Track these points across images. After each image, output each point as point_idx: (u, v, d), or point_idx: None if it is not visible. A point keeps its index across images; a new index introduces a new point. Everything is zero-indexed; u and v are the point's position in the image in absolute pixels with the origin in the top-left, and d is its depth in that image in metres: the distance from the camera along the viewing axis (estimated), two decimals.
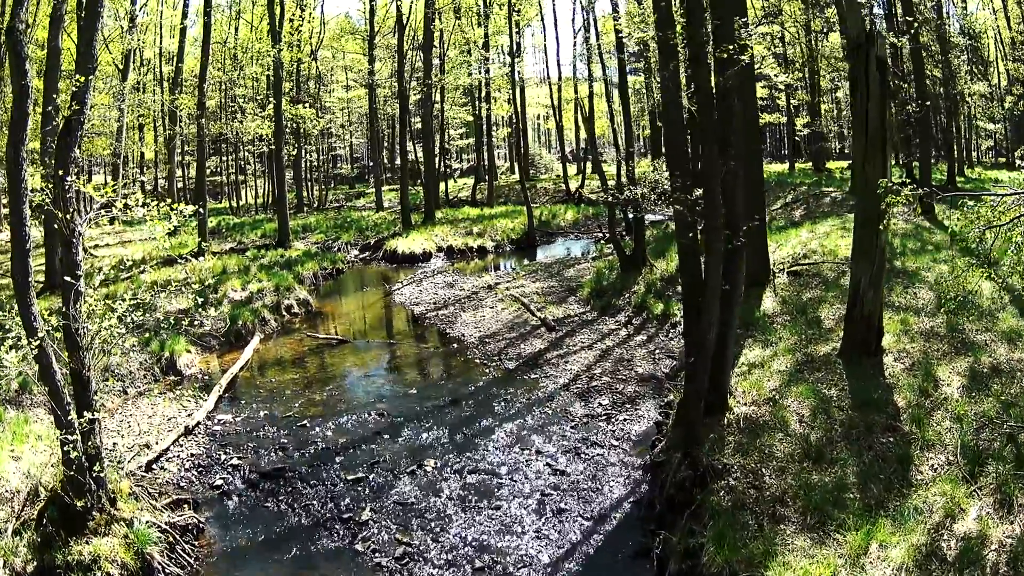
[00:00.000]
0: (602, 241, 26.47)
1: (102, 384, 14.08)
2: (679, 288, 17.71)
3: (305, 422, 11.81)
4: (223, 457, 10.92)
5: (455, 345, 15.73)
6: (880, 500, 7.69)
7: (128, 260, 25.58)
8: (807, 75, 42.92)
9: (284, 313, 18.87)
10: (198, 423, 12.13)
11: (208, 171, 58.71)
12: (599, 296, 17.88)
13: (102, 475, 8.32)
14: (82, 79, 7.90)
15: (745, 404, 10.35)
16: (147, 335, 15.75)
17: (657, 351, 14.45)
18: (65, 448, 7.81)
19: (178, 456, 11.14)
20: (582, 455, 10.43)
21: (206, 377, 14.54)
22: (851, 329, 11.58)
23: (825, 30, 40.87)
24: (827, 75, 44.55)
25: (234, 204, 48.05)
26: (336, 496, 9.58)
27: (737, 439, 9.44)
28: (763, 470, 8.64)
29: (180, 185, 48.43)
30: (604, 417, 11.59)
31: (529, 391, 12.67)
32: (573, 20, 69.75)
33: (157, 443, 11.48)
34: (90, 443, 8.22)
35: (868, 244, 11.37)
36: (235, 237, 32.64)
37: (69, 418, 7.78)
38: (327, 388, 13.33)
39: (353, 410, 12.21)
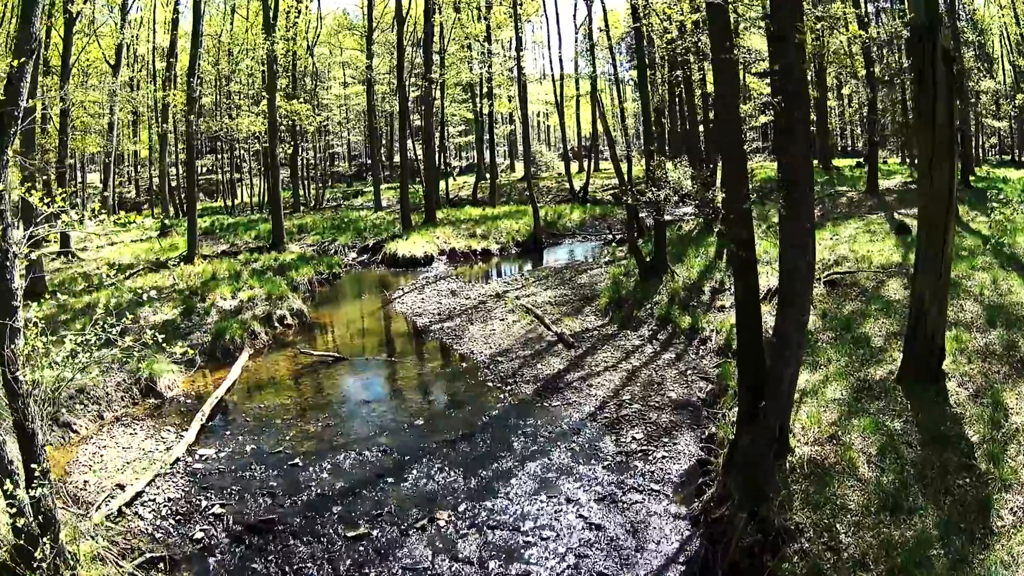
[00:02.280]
0: (613, 244, 24.87)
1: (78, 407, 12.62)
2: (704, 298, 16.20)
3: (298, 460, 10.18)
4: (204, 503, 9.31)
5: (464, 364, 14.06)
6: (964, 555, 6.66)
7: (115, 263, 24.04)
8: (813, 71, 41.51)
9: (276, 324, 17.19)
10: (177, 459, 10.52)
11: (204, 169, 57.29)
12: (618, 307, 16.24)
13: (58, 541, 6.75)
14: (16, 63, 6.26)
15: (806, 443, 8.93)
16: (125, 352, 14.12)
17: (689, 371, 12.86)
18: (12, 519, 6.26)
19: (154, 500, 9.53)
20: (619, 504, 8.85)
21: (189, 401, 12.91)
22: (912, 351, 10.28)
23: (830, 26, 39.41)
24: (832, 72, 43.04)
25: (229, 203, 46.35)
26: (334, 557, 7.99)
27: (804, 488, 8.05)
28: (837, 526, 7.28)
29: (174, 184, 46.75)
30: (639, 454, 10.01)
31: (551, 422, 11.06)
32: (575, 15, 67.93)
33: (131, 483, 9.90)
34: (42, 507, 6.64)
35: (933, 256, 9.98)
36: (228, 239, 30.95)
37: (8, 488, 6.16)
38: (322, 417, 11.69)
39: (352, 446, 10.57)
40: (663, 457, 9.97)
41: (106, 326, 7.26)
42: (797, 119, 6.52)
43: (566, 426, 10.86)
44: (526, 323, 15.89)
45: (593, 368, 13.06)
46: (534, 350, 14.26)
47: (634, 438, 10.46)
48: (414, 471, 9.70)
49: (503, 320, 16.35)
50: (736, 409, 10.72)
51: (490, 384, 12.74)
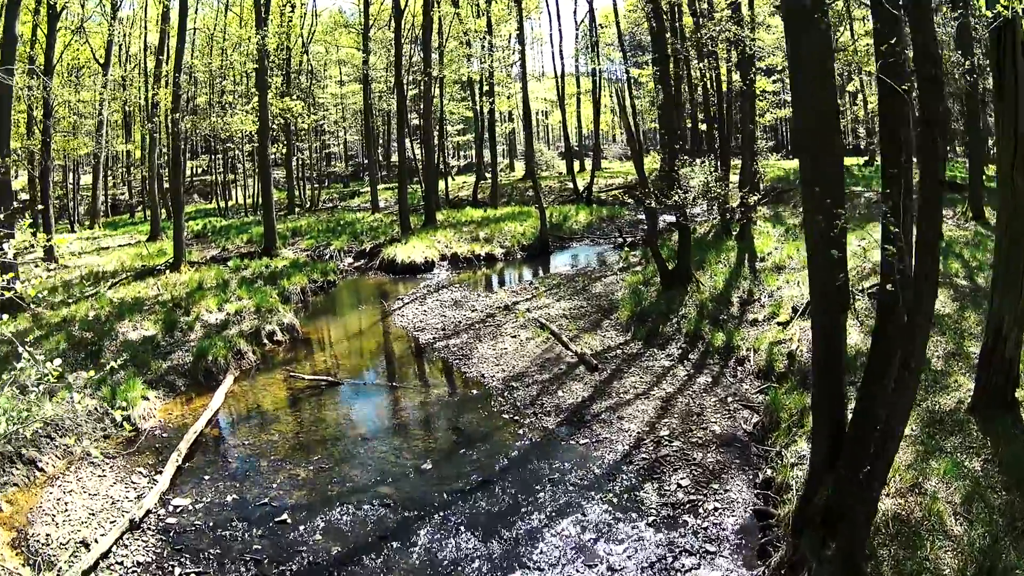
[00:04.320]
0: (626, 248, 23.18)
1: (44, 442, 10.98)
2: (733, 310, 14.54)
3: (286, 516, 8.50)
4: (178, 571, 7.68)
5: (474, 391, 12.29)
6: None
7: (99, 271, 22.40)
8: None
9: (265, 341, 15.46)
10: (149, 511, 8.89)
11: (199, 170, 55.40)
12: (641, 321, 14.55)
13: None
14: None
15: (888, 495, 7.48)
16: (99, 376, 12.48)
17: (729, 398, 11.22)
18: None
19: (121, 564, 7.96)
20: (671, 572, 7.22)
21: (165, 435, 11.23)
22: (987, 378, 8.96)
23: (836, 21, 38.06)
24: (837, 68, 41.52)
25: (223, 204, 44.55)
26: None
27: (894, 554, 6.62)
28: None
29: (166, 185, 44.86)
30: (687, 506, 8.36)
31: (581, 465, 9.36)
32: (575, 12, 66.38)
33: (96, 540, 8.32)
34: None
35: (1014, 275, 8.47)
36: (219, 242, 29.28)
37: None
38: (314, 458, 9.97)
39: (349, 497, 8.87)
40: (715, 509, 8.33)
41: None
42: (940, 111, 4.91)
43: (598, 470, 9.18)
44: (541, 341, 14.16)
45: (622, 395, 11.36)
46: (552, 373, 12.54)
47: (679, 485, 8.81)
48: (423, 532, 8.02)
49: (515, 337, 14.62)
50: (793, 447, 9.20)
51: (506, 416, 10.98)
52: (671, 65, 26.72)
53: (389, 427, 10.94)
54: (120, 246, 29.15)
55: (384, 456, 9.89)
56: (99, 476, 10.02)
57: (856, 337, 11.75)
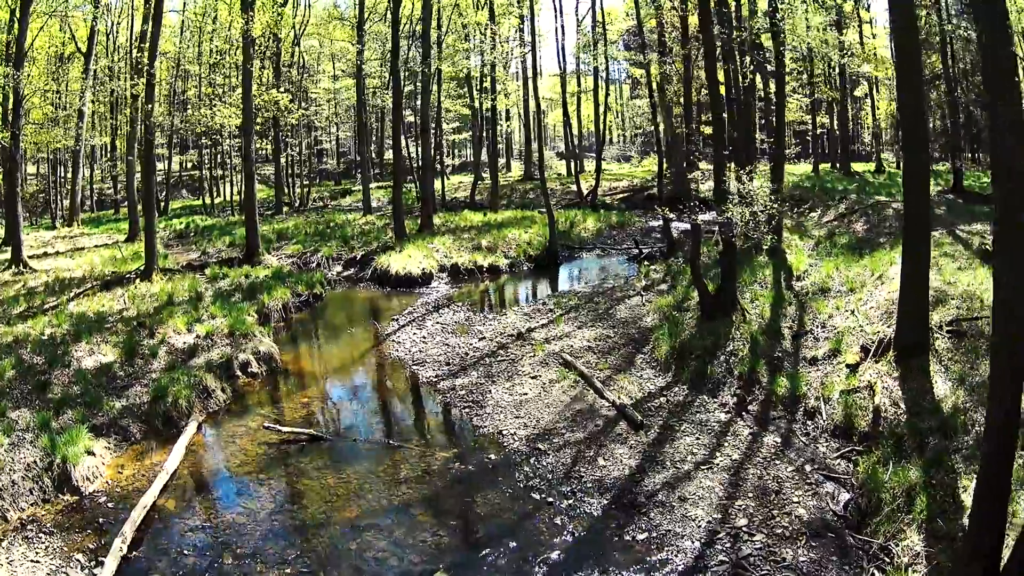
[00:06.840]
0: (645, 262, 20.80)
1: None
2: (785, 344, 12.21)
3: None
4: None
5: (492, 454, 9.65)
6: None
7: (66, 278, 19.96)
8: (827, 70, 37.96)
9: (238, 373, 12.92)
10: None
11: (189, 164, 52.67)
12: (682, 358, 12.08)
13: None
14: None
15: None
16: (38, 418, 10.07)
17: (807, 466, 8.88)
18: None
19: None
20: None
21: (111, 504, 8.80)
22: None
23: (847, 21, 36.06)
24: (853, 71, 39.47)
25: (208, 201, 41.93)
26: None
27: None
28: None
29: (160, 179, 42.33)
30: None
31: (642, 574, 6.97)
32: (577, 9, 63.96)
33: None
34: None
35: None
36: (200, 244, 26.79)
37: None
38: (292, 556, 7.45)
39: None
40: None
41: None
42: None
43: None
44: (568, 384, 11.63)
45: (679, 465, 8.93)
46: (588, 431, 10.00)
47: None
48: None
49: (535, 377, 12.10)
50: (904, 542, 6.96)
51: (536, 496, 8.41)
52: (679, 64, 24.48)
53: (387, 508, 8.36)
54: (96, 246, 26.78)
55: (383, 557, 7.36)
56: (32, 561, 7.70)
57: (941, 387, 9.51)
